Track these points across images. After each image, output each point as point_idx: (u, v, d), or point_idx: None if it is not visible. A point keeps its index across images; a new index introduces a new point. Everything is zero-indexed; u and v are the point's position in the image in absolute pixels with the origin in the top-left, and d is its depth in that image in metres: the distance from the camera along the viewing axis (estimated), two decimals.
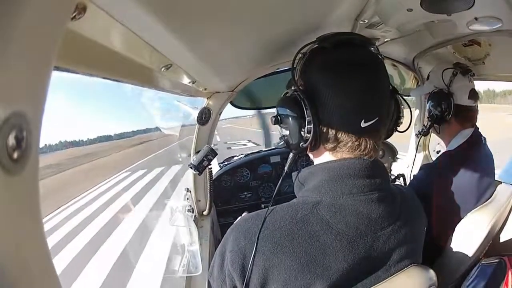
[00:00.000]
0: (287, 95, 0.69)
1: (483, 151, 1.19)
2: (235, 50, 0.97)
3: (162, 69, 0.77)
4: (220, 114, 1.49)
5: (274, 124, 0.71)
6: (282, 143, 0.72)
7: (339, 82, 0.63)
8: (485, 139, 1.21)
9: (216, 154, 1.35)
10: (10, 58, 0.21)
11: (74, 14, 0.38)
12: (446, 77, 1.18)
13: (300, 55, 0.69)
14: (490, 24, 0.87)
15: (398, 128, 0.76)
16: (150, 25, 0.56)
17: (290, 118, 0.67)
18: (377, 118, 0.64)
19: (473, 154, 1.15)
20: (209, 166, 1.41)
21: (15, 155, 0.22)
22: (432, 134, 1.36)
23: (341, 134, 0.64)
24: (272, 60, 1.27)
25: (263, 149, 2.46)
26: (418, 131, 1.36)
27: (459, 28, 0.96)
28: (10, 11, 0.21)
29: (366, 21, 0.94)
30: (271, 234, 0.62)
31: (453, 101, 1.16)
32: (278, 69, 1.38)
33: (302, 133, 0.65)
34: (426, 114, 1.26)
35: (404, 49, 1.42)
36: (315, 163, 0.71)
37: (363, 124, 0.63)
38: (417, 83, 1.65)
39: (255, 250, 0.61)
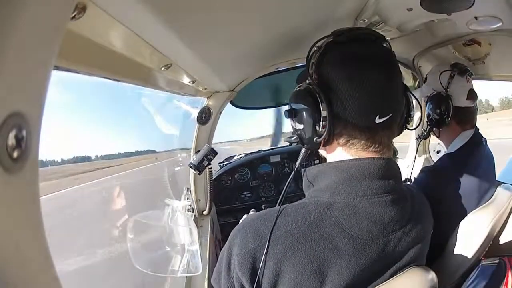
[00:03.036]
0: (301, 88, 0.67)
1: (484, 152, 1.19)
2: (235, 49, 0.97)
3: (162, 68, 0.77)
4: (220, 113, 1.49)
5: (288, 118, 0.70)
6: (294, 137, 0.70)
7: (356, 76, 0.61)
8: (485, 140, 1.20)
9: (216, 153, 1.35)
10: (10, 58, 0.21)
11: (74, 14, 0.38)
12: (443, 79, 1.17)
13: (315, 48, 0.68)
14: (490, 23, 0.87)
15: (408, 126, 0.75)
16: (150, 25, 0.56)
17: (304, 112, 0.65)
18: (391, 114, 0.63)
19: (474, 155, 1.14)
20: (209, 166, 1.41)
21: (15, 154, 0.22)
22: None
23: (356, 129, 0.63)
24: (272, 60, 1.27)
25: (263, 149, 2.45)
26: (418, 135, 1.35)
27: (459, 28, 0.96)
28: (10, 10, 0.21)
29: (366, 20, 0.94)
30: (282, 236, 0.60)
31: (451, 103, 1.15)
32: (277, 68, 1.38)
33: (317, 127, 0.63)
34: (425, 118, 1.25)
35: (404, 48, 1.41)
36: (327, 160, 0.70)
37: (377, 120, 0.62)
38: (417, 82, 1.65)
39: (266, 253, 0.59)
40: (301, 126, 0.67)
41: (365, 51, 0.64)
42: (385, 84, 0.63)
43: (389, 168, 0.65)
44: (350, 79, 0.61)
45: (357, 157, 0.64)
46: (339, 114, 0.62)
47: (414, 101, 0.76)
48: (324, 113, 0.62)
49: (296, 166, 0.74)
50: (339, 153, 0.67)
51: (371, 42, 0.66)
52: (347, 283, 0.59)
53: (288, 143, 2.70)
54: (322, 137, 0.63)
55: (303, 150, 0.73)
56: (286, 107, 0.72)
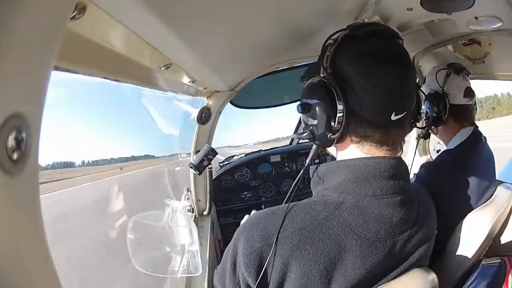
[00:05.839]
0: (314, 82, 0.64)
1: (483, 150, 1.19)
2: (235, 49, 0.97)
3: (162, 68, 0.77)
4: (220, 113, 1.49)
5: (300, 112, 0.67)
6: (306, 133, 0.68)
7: (374, 71, 0.60)
8: (485, 138, 1.21)
9: (216, 153, 1.35)
10: (10, 58, 0.21)
11: (74, 14, 0.38)
12: (440, 78, 1.18)
13: (330, 41, 0.65)
14: (490, 23, 0.86)
15: (418, 124, 0.74)
16: (150, 25, 0.56)
17: (318, 106, 0.62)
18: (406, 112, 0.61)
19: (474, 153, 1.14)
20: (209, 166, 1.41)
21: (15, 156, 0.22)
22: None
23: (371, 126, 0.61)
24: (272, 60, 1.28)
25: (263, 149, 2.45)
26: (418, 134, 1.36)
27: (459, 27, 0.95)
28: (10, 11, 0.20)
29: (366, 20, 0.94)
30: (290, 236, 0.59)
31: (448, 101, 1.16)
32: (277, 68, 1.38)
33: (332, 123, 0.61)
34: (423, 117, 1.25)
35: None
36: (338, 157, 0.68)
37: (393, 117, 0.60)
38: (417, 82, 1.65)
39: (274, 253, 0.58)
40: (314, 122, 0.64)
41: (383, 47, 0.62)
42: (401, 81, 0.61)
43: (399, 168, 0.64)
44: (367, 75, 0.59)
45: (369, 156, 0.63)
46: (354, 110, 0.60)
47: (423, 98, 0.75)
48: (340, 108, 0.60)
49: (306, 163, 0.72)
50: (351, 150, 0.65)
51: (388, 38, 0.64)
52: (353, 284, 0.58)
53: (288, 143, 2.71)
54: (337, 133, 0.61)
55: (314, 146, 0.70)
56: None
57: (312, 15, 0.87)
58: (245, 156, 2.36)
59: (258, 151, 2.40)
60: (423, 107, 0.73)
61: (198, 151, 1.36)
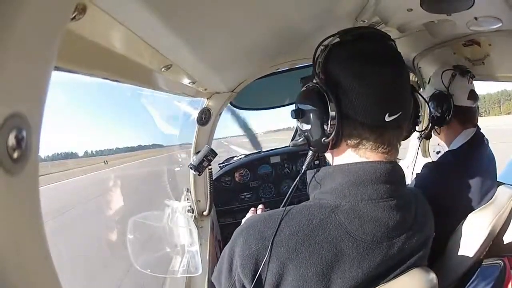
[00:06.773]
0: (307, 87, 0.66)
1: (485, 152, 1.19)
2: (235, 50, 0.97)
3: (162, 69, 0.77)
4: (220, 114, 1.49)
5: (294, 118, 0.68)
6: (301, 139, 0.68)
7: (364, 73, 0.60)
8: (487, 140, 1.21)
9: (216, 154, 1.35)
10: (10, 58, 0.21)
11: (74, 15, 0.38)
12: (445, 78, 1.19)
13: (321, 47, 0.66)
14: (490, 24, 0.87)
15: (417, 128, 0.75)
16: (150, 25, 0.56)
17: (311, 112, 0.63)
18: (400, 113, 0.61)
19: (476, 154, 1.15)
20: (209, 167, 1.40)
21: (15, 155, 0.22)
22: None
23: (365, 128, 0.61)
24: (272, 61, 1.28)
25: (263, 150, 2.46)
26: (420, 135, 1.36)
27: (459, 28, 0.96)
28: (10, 11, 0.21)
29: (366, 21, 0.94)
30: (286, 239, 0.59)
31: (452, 102, 1.16)
32: (278, 69, 1.38)
33: (325, 127, 0.61)
34: (424, 119, 1.26)
35: (403, 49, 1.41)
36: (334, 163, 0.69)
37: (387, 118, 0.60)
38: (417, 83, 1.65)
39: (269, 256, 0.58)
40: (308, 127, 0.65)
41: (372, 49, 0.63)
42: (393, 82, 0.61)
43: (395, 173, 0.64)
44: (358, 77, 0.60)
45: (365, 159, 0.63)
46: (348, 113, 0.61)
47: (422, 101, 0.75)
48: (332, 112, 0.60)
49: (303, 169, 0.73)
50: (347, 155, 0.65)
51: (377, 40, 0.65)
52: (351, 286, 0.59)
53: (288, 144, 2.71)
54: (331, 136, 0.61)
55: (310, 153, 0.71)
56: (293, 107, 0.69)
57: (312, 16, 0.87)
58: (244, 157, 2.37)
59: (258, 152, 2.41)
60: (427, 107, 0.73)
61: (198, 152, 1.36)
